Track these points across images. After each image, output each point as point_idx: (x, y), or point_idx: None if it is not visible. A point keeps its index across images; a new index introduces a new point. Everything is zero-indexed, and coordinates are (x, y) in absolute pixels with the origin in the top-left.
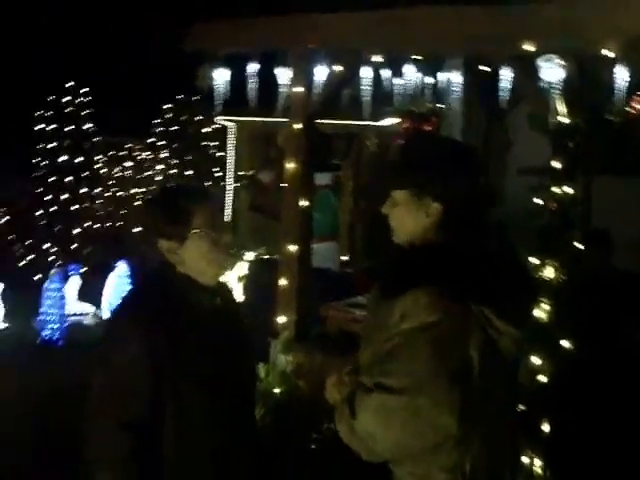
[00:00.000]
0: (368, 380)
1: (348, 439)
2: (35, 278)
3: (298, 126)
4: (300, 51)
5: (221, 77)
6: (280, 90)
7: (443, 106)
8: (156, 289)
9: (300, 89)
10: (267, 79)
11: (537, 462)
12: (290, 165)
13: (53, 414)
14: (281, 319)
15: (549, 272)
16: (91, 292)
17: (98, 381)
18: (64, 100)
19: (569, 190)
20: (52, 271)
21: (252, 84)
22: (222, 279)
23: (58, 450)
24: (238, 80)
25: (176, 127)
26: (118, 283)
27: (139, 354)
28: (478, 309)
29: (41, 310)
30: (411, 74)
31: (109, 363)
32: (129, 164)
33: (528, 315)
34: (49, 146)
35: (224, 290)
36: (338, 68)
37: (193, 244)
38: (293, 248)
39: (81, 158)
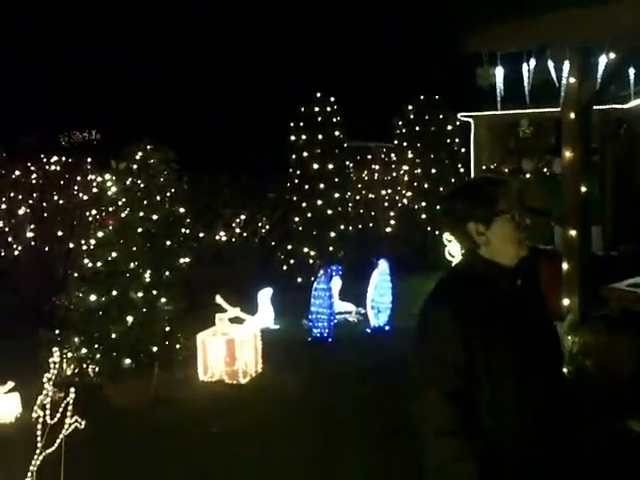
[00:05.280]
0: None
1: None
2: (298, 281)
3: (572, 115)
4: (577, 44)
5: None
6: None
7: None
8: (463, 275)
9: (574, 80)
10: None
11: None
12: (567, 153)
13: (330, 401)
14: (565, 302)
15: None
16: (349, 291)
17: (420, 360)
18: (315, 110)
19: None
20: (320, 272)
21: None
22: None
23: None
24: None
25: (418, 127)
26: (381, 280)
27: (453, 334)
28: None
29: (311, 309)
30: None
31: (428, 344)
32: (376, 167)
33: None
34: (303, 155)
35: (525, 271)
36: (613, 56)
37: (498, 227)
38: (574, 233)
39: (331, 165)
